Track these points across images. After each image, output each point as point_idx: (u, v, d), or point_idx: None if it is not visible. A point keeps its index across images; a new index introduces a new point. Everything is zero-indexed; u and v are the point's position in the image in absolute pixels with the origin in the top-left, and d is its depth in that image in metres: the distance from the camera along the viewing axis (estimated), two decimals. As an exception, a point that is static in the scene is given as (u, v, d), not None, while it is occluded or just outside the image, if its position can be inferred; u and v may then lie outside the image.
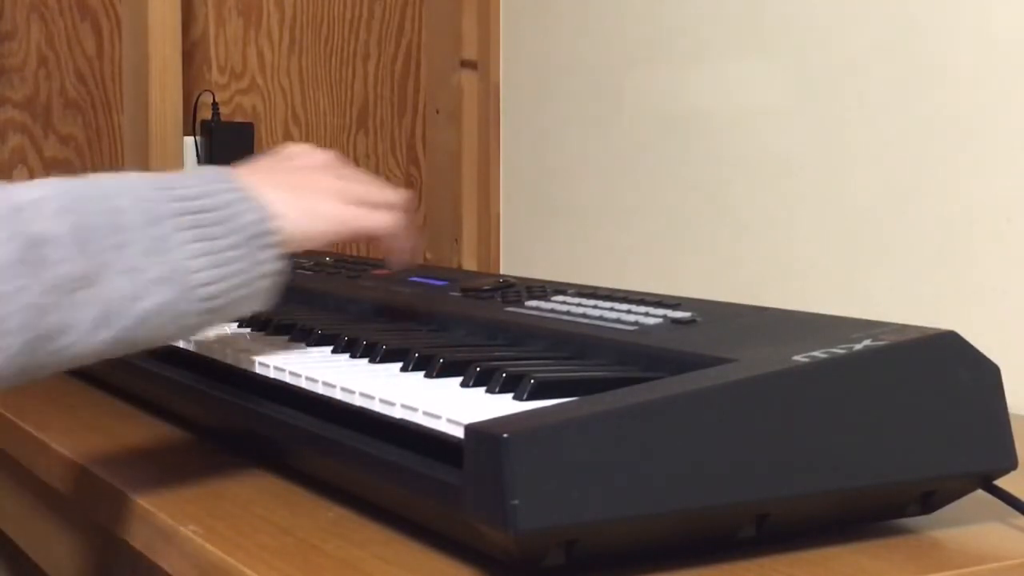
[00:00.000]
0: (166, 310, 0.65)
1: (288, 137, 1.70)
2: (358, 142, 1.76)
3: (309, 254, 1.30)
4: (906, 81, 1.15)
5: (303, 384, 0.71)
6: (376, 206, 0.78)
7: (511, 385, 0.64)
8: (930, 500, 0.64)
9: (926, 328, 0.65)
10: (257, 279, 0.68)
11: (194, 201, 0.67)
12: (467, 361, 0.69)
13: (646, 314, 0.77)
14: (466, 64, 1.73)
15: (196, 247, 0.66)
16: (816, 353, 0.61)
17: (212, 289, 0.66)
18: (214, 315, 0.68)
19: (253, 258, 0.68)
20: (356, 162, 1.75)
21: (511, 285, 0.94)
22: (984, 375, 0.63)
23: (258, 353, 0.78)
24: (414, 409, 0.61)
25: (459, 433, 0.56)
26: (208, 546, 0.62)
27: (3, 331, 0.59)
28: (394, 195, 0.80)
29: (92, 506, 0.78)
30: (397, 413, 0.62)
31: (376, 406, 0.64)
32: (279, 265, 0.70)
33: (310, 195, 0.74)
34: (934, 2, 1.11)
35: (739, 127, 1.34)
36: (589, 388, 0.61)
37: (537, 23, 1.64)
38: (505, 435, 0.52)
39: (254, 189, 0.70)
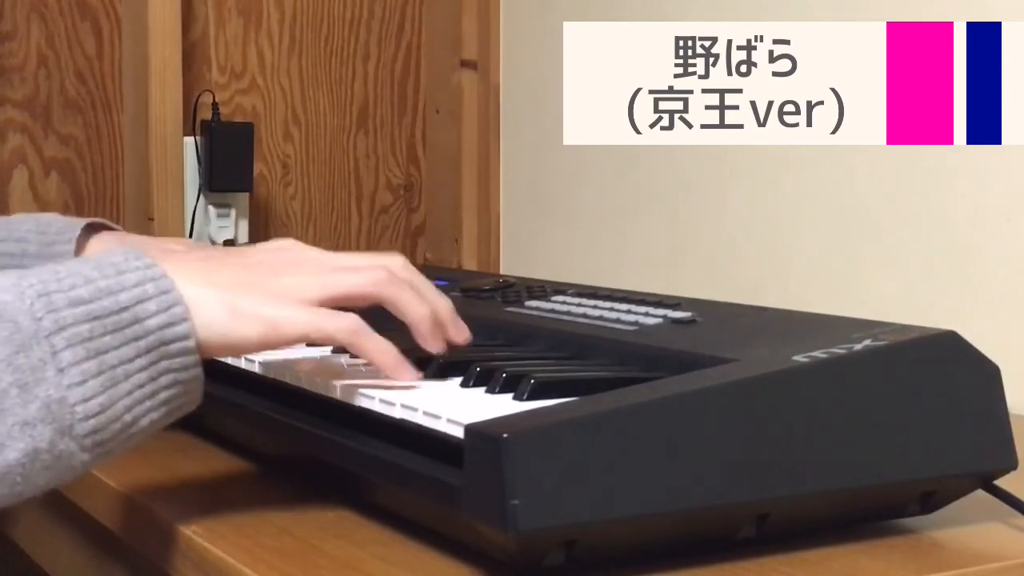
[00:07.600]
0: (39, 457, 0.53)
1: (288, 137, 1.70)
2: (358, 142, 1.75)
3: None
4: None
5: (303, 384, 0.71)
6: (342, 304, 0.64)
7: (511, 385, 0.64)
8: (930, 500, 0.64)
9: (926, 328, 0.65)
10: (163, 389, 0.57)
11: (87, 306, 0.55)
12: (467, 361, 0.69)
13: (646, 314, 0.77)
14: (466, 64, 1.72)
15: (84, 368, 0.54)
16: (816, 353, 0.61)
17: (102, 418, 0.54)
18: (107, 447, 0.56)
19: (155, 369, 0.56)
20: (356, 162, 1.75)
21: (511, 285, 0.94)
22: (984, 375, 0.63)
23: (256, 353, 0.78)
24: (414, 409, 0.61)
25: (459, 433, 0.56)
26: (208, 546, 0.62)
27: None
28: (363, 278, 0.65)
29: (92, 506, 0.78)
30: (397, 413, 0.62)
31: (376, 406, 0.64)
32: (192, 373, 0.58)
33: (237, 291, 0.60)
34: (933, 3, 1.11)
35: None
36: (589, 388, 0.61)
37: (537, 23, 1.63)
38: (505, 435, 0.52)
39: (166, 281, 0.57)
